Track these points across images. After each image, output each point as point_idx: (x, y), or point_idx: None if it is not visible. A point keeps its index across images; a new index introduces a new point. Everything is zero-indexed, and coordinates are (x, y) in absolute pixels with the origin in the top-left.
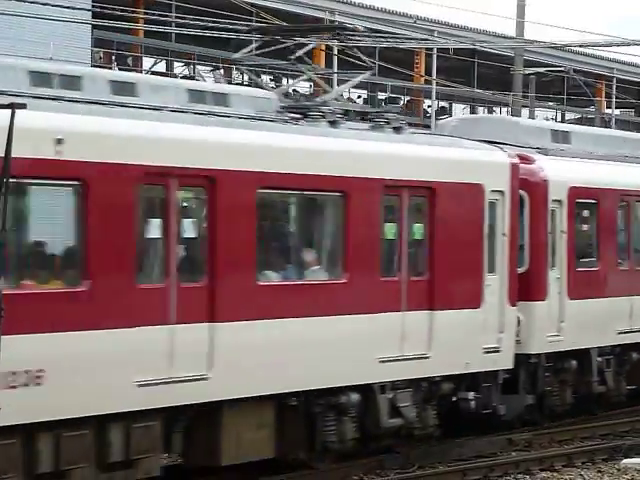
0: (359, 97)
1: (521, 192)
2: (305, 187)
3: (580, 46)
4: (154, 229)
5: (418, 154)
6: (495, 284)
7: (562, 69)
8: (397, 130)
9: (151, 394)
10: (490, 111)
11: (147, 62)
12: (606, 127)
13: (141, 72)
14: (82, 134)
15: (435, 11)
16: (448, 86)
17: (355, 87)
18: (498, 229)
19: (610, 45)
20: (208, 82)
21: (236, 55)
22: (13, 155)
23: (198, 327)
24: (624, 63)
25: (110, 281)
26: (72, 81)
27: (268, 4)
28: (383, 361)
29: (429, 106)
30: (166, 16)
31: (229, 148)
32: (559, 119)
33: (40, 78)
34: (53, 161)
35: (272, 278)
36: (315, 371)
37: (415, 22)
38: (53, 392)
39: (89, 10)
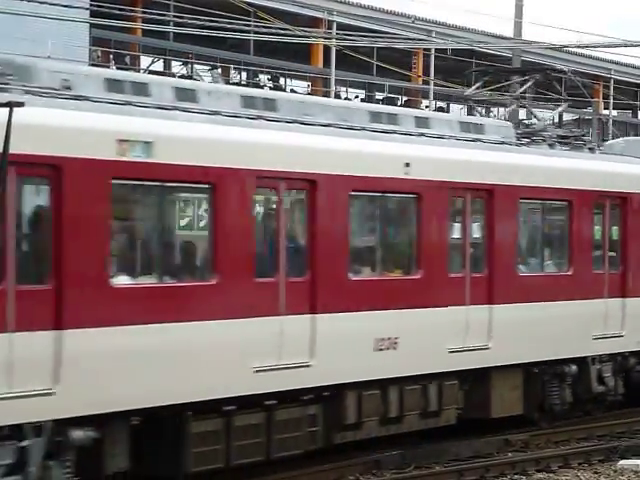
0: (356, 97)
1: None
2: (545, 197)
3: (577, 47)
4: (457, 231)
5: (615, 170)
6: None
7: (560, 70)
8: (591, 150)
9: (456, 359)
10: (487, 111)
11: (145, 61)
12: (604, 128)
13: (139, 71)
14: (421, 159)
15: (433, 12)
16: (446, 86)
17: (353, 87)
18: None
19: (607, 46)
20: (467, 116)
21: (467, 92)
22: (378, 175)
23: (482, 308)
24: (621, 64)
25: (434, 271)
26: (394, 118)
27: (266, 4)
28: (595, 338)
29: (427, 106)
30: (164, 15)
31: (503, 167)
32: (556, 120)
33: (376, 116)
34: (403, 180)
35: (523, 271)
36: (550, 344)
37: (413, 22)
38: (402, 355)
39: (87, 9)
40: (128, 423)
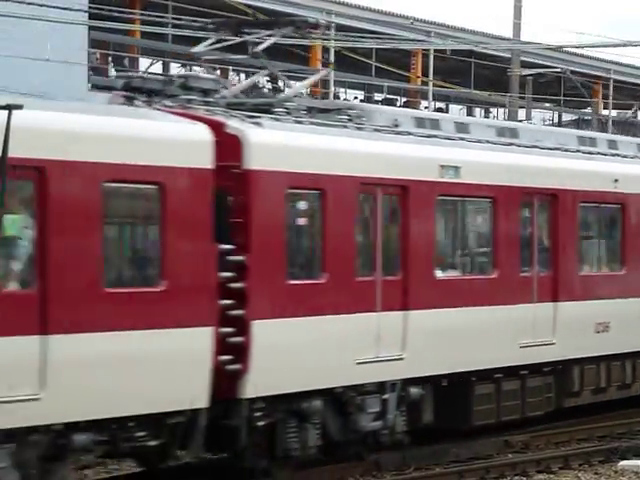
0: (355, 98)
1: None
2: None
3: (576, 47)
4: None
5: None
6: None
7: (559, 70)
8: None
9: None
10: (487, 112)
11: (144, 63)
12: (603, 128)
13: (137, 72)
14: (625, 176)
15: (432, 12)
16: (445, 87)
17: (351, 88)
18: None
19: (605, 46)
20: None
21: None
22: (596, 189)
23: None
24: (620, 64)
25: (634, 267)
26: (594, 141)
27: (264, 5)
28: None
29: (426, 107)
30: (162, 17)
31: None
32: (556, 120)
33: (582, 140)
34: (613, 193)
35: None
36: None
37: (412, 23)
38: (612, 336)
39: (86, 11)
40: (437, 385)
